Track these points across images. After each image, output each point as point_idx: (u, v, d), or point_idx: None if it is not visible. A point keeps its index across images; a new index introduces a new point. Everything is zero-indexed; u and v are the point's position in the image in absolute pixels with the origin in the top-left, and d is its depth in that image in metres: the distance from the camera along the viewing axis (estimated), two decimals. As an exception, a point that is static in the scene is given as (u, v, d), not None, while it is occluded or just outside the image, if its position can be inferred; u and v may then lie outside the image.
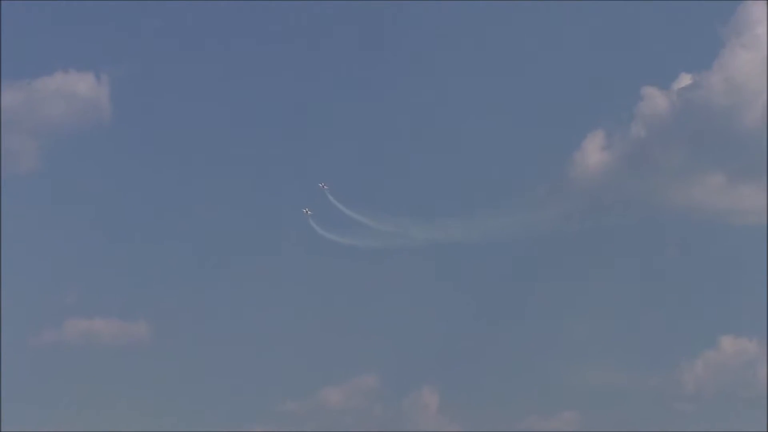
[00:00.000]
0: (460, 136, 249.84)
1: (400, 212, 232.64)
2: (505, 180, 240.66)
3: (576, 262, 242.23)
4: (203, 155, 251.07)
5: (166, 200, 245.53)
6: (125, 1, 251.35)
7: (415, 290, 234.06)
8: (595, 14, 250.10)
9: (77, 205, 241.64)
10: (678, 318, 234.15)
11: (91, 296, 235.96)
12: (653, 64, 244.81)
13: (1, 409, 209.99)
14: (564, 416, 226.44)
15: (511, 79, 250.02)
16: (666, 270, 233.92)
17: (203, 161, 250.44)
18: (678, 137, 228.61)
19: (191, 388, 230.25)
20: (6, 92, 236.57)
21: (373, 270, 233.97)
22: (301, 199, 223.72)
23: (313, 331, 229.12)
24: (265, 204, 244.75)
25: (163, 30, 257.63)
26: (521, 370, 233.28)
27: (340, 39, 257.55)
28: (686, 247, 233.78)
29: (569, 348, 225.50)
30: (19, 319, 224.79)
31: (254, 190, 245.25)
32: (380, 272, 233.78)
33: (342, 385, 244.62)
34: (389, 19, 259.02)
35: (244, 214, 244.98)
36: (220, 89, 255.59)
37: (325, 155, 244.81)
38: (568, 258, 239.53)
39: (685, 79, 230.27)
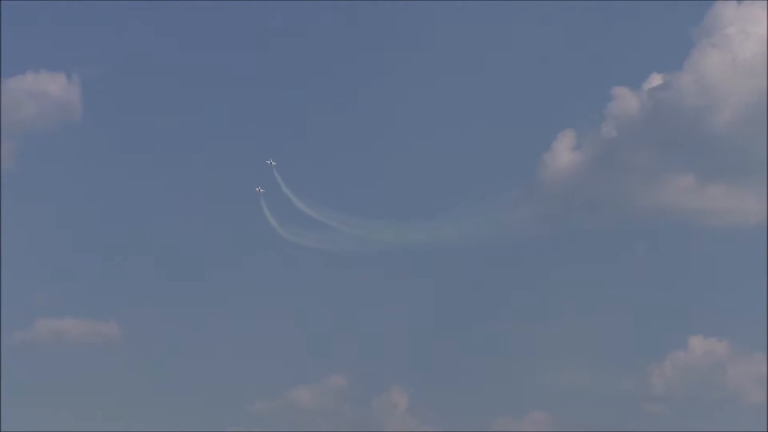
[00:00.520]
0: (430, 136, 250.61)
1: (370, 215, 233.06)
2: (476, 181, 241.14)
3: (546, 264, 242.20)
4: (174, 156, 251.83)
5: (136, 201, 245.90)
6: (97, 1, 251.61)
7: (385, 291, 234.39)
8: (565, 14, 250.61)
9: (48, 205, 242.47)
10: (648, 319, 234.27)
11: (62, 296, 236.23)
12: (624, 64, 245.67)
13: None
14: (534, 417, 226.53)
15: (481, 79, 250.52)
16: (636, 271, 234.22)
17: (174, 162, 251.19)
18: (648, 138, 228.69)
19: (161, 388, 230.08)
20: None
21: (343, 272, 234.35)
22: (272, 196, 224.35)
23: (282, 331, 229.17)
24: (236, 206, 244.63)
25: (134, 31, 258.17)
26: (491, 371, 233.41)
27: (309, 36, 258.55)
28: (656, 248, 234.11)
29: (540, 349, 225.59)
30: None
31: (226, 190, 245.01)
32: (350, 274, 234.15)
33: (312, 384, 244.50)
34: (361, 18, 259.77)
35: (215, 213, 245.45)
36: (192, 91, 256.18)
37: (295, 157, 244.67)
38: (539, 260, 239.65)
39: (656, 79, 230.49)
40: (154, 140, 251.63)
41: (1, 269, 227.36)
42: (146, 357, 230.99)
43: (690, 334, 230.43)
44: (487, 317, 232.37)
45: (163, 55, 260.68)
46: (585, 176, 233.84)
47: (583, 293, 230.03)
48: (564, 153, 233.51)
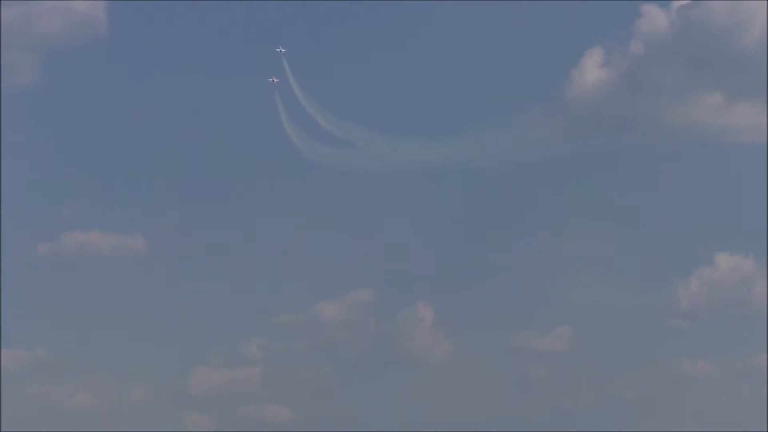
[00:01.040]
0: (457, 52, 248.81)
1: (395, 130, 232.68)
2: (503, 98, 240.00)
3: (572, 182, 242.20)
4: (201, 70, 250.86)
5: (162, 114, 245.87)
6: None
7: (412, 208, 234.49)
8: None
9: (74, 119, 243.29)
10: (674, 235, 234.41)
11: (89, 209, 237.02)
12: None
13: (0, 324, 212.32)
14: (558, 332, 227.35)
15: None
16: (663, 188, 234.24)
17: (202, 76, 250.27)
18: (677, 56, 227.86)
19: (187, 301, 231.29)
20: (4, 8, 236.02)
21: (370, 189, 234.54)
22: (294, 114, 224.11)
23: (309, 246, 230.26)
24: (259, 122, 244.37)
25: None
26: (516, 287, 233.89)
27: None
28: (683, 166, 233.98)
29: (564, 265, 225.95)
30: (17, 232, 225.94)
31: (252, 104, 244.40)
32: (377, 191, 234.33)
33: (338, 298, 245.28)
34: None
35: (241, 129, 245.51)
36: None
37: (317, 71, 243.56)
38: (565, 177, 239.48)
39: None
40: (178, 53, 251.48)
41: (27, 184, 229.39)
42: (173, 271, 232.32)
43: (716, 250, 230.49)
44: (512, 233, 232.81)
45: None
46: (613, 94, 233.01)
47: (609, 210, 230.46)
48: (592, 70, 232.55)
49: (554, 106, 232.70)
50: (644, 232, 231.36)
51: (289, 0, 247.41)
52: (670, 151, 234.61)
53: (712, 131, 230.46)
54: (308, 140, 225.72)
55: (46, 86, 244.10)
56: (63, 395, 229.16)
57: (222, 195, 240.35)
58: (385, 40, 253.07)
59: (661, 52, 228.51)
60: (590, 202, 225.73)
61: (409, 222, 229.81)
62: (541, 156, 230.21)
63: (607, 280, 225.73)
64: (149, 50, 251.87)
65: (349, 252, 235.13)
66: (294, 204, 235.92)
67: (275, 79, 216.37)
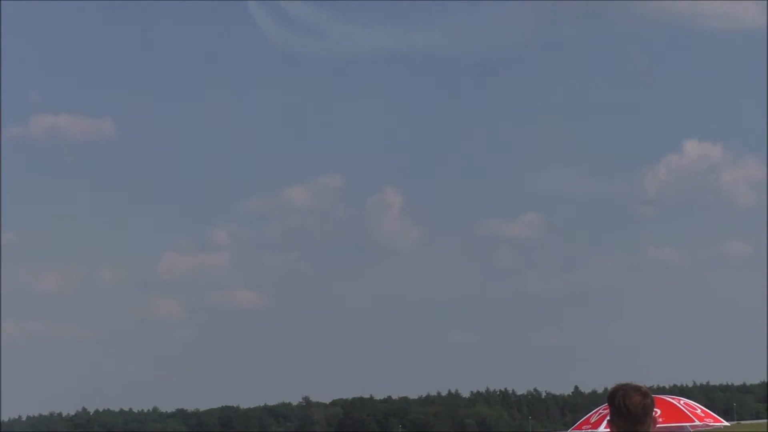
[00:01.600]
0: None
1: (366, 17, 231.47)
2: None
3: (540, 68, 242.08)
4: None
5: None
6: None
7: (380, 95, 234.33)
8: None
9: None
10: (642, 122, 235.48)
11: (57, 93, 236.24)
12: None
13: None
14: (526, 219, 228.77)
15: None
16: (631, 75, 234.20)
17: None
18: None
19: (155, 186, 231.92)
20: None
21: (339, 76, 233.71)
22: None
23: (277, 130, 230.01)
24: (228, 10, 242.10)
25: None
26: (485, 173, 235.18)
27: None
28: (653, 51, 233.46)
29: (533, 153, 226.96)
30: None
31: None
32: (345, 78, 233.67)
33: (306, 183, 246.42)
34: None
35: (212, 19, 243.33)
36: None
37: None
38: (532, 63, 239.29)
39: None
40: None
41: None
42: (138, 155, 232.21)
43: (685, 137, 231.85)
44: (481, 121, 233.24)
45: None
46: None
47: (577, 98, 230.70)
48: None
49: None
50: (612, 118, 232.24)
51: None
52: (639, 37, 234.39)
53: (682, 16, 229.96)
54: (280, 27, 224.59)
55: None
56: (32, 279, 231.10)
57: (193, 77, 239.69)
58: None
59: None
60: (559, 91, 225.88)
61: (379, 108, 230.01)
62: (511, 43, 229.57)
63: (575, 167, 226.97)
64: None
65: (318, 137, 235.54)
66: (263, 89, 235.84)
67: None
